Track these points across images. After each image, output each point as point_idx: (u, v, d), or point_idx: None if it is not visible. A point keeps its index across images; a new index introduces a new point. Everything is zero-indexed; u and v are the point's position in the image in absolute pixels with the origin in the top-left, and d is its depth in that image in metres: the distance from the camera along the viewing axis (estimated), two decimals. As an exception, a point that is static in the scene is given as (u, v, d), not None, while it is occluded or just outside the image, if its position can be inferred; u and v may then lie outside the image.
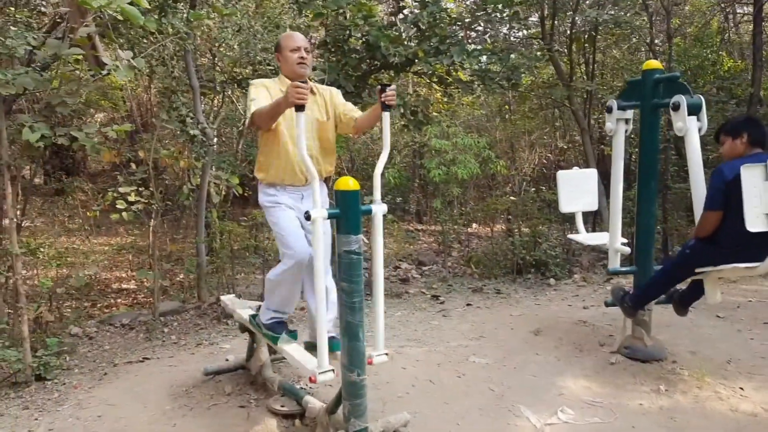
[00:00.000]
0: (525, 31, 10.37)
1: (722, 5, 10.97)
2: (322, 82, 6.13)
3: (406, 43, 7.03)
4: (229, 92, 8.21)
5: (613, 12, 8.97)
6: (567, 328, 5.27)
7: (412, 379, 4.24)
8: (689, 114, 3.86)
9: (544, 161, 12.68)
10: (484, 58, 7.83)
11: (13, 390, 4.36)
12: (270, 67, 6.59)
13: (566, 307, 6.11)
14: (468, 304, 6.48)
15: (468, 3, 10.68)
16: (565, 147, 12.30)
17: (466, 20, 8.61)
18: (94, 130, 4.71)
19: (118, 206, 5.92)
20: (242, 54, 6.80)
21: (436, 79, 7.92)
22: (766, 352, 4.59)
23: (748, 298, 5.99)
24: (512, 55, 8.17)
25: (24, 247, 5.17)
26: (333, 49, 7.03)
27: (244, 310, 4.13)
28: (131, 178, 6.39)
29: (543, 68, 11.23)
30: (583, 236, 5.20)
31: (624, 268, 4.73)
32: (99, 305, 6.96)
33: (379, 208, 3.21)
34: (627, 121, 4.53)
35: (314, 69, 6.19)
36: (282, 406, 3.67)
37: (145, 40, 6.05)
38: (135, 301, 7.20)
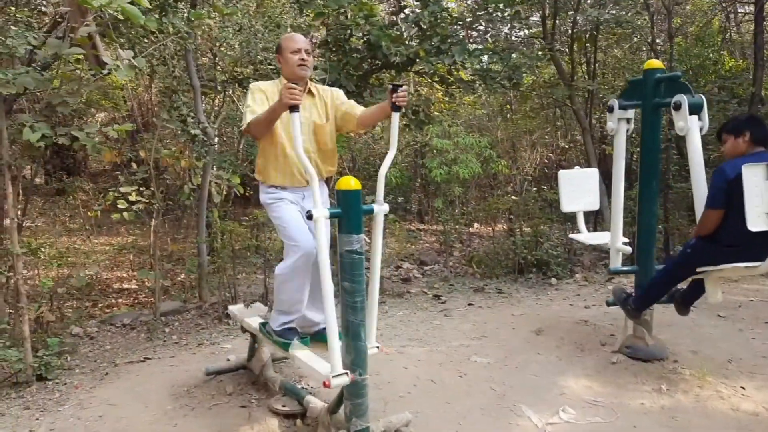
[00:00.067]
0: (526, 31, 10.38)
1: (723, 4, 10.95)
2: (323, 81, 6.13)
3: (407, 42, 7.02)
4: (230, 92, 8.22)
5: (614, 11, 8.95)
6: (568, 328, 5.26)
7: (413, 379, 4.24)
8: (690, 113, 3.86)
9: (546, 161, 12.67)
10: (485, 58, 7.84)
11: (14, 390, 4.36)
12: (271, 67, 6.59)
13: (568, 307, 6.10)
14: (470, 304, 6.48)
15: (469, 2, 10.67)
16: (567, 146, 12.29)
17: (468, 20, 8.61)
18: (95, 129, 4.71)
19: (119, 206, 5.93)
20: (243, 53, 6.80)
21: (437, 79, 7.92)
22: (768, 351, 4.59)
23: (749, 297, 5.98)
24: (513, 55, 8.18)
25: (25, 247, 5.17)
26: (334, 49, 7.02)
27: (252, 318, 4.06)
28: (132, 178, 6.39)
29: (544, 68, 11.22)
30: (585, 236, 5.20)
31: (625, 268, 4.73)
32: (100, 305, 6.96)
33: (380, 208, 3.21)
34: (628, 120, 4.53)
35: (315, 69, 6.19)
36: (283, 406, 3.67)
37: (145, 40, 6.05)
38: (136, 301, 7.20)
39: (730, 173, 3.60)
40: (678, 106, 3.89)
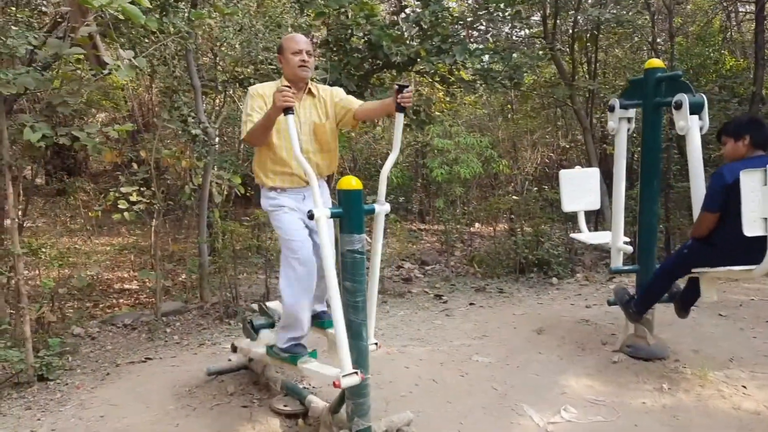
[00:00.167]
0: (527, 30, 10.38)
1: (724, 4, 10.94)
2: (324, 81, 6.13)
3: (408, 42, 7.03)
4: (231, 92, 8.21)
5: (615, 11, 8.95)
6: (570, 327, 5.26)
7: (415, 378, 4.23)
8: (691, 113, 3.86)
9: (547, 160, 12.68)
10: (486, 58, 7.85)
11: (15, 390, 4.36)
12: (272, 67, 6.58)
13: (569, 306, 6.10)
14: (471, 304, 6.47)
15: (470, 2, 10.67)
16: (568, 146, 12.30)
17: (468, 19, 8.61)
18: (96, 129, 4.71)
19: (119, 206, 5.93)
20: (244, 53, 6.79)
21: (438, 79, 7.92)
22: (770, 350, 4.58)
23: (750, 296, 5.97)
24: (514, 55, 8.18)
25: (26, 248, 5.17)
26: (335, 49, 7.03)
27: (258, 348, 3.81)
28: (133, 178, 6.39)
29: (545, 67, 11.22)
30: (586, 235, 5.19)
31: (626, 267, 4.73)
32: (101, 305, 6.96)
33: (382, 208, 3.21)
34: (629, 120, 4.52)
35: (316, 69, 6.19)
36: (285, 406, 3.67)
37: (146, 40, 6.05)
38: (137, 301, 7.20)
39: (729, 178, 3.60)
40: (679, 106, 3.88)
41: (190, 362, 4.83)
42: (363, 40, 7.00)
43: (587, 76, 10.30)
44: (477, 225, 10.85)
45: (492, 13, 8.10)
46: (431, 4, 6.87)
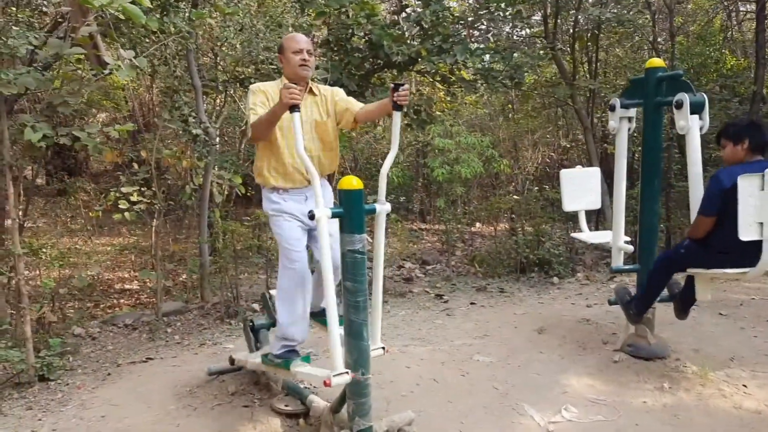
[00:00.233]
0: (528, 30, 10.37)
1: (725, 3, 10.93)
2: (324, 81, 6.13)
3: (409, 41, 7.03)
4: (232, 91, 8.21)
5: (615, 10, 8.94)
6: (570, 327, 5.26)
7: (416, 378, 4.23)
8: (692, 112, 3.86)
9: (547, 160, 12.68)
10: (487, 57, 7.85)
11: (16, 390, 4.36)
12: (273, 66, 6.58)
13: (570, 306, 6.10)
14: (472, 303, 6.47)
15: (471, 1, 10.67)
16: (568, 146, 12.30)
17: (469, 19, 8.62)
18: (96, 130, 4.71)
19: (120, 206, 5.92)
20: (244, 53, 6.79)
21: (439, 78, 7.92)
22: (771, 350, 4.58)
23: (750, 295, 5.97)
24: (515, 54, 8.18)
25: (26, 248, 5.17)
26: (336, 48, 7.03)
27: (255, 359, 3.86)
28: (134, 178, 6.39)
29: (546, 67, 11.22)
30: (587, 235, 5.19)
31: (627, 267, 4.72)
32: (102, 306, 6.96)
33: (382, 208, 3.21)
34: (630, 119, 4.52)
35: (317, 68, 6.19)
36: (286, 406, 3.67)
37: (147, 40, 6.04)
38: (138, 301, 7.20)
39: (726, 183, 3.61)
40: (680, 105, 3.88)
41: (190, 362, 4.84)
42: (364, 40, 7.00)
43: (588, 75, 10.29)
44: (478, 225, 10.85)
45: (493, 12, 8.11)
46: (432, 3, 6.87)
